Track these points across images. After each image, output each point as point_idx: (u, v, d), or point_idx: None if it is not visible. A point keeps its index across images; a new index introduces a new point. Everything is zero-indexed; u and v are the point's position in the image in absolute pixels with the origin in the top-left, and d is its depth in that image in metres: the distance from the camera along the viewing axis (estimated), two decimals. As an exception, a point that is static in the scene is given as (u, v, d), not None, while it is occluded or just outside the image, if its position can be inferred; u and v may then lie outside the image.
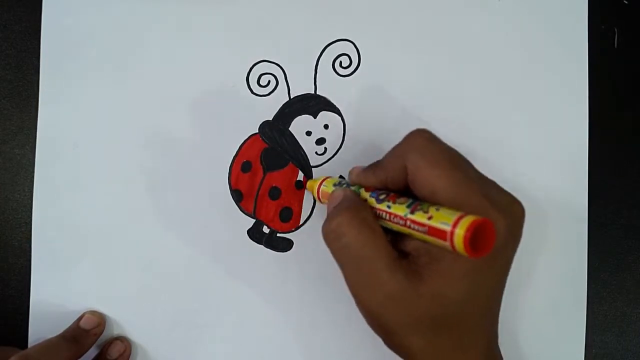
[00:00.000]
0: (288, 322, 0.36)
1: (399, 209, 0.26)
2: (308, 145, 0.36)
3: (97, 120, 0.37)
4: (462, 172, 0.26)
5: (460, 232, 0.22)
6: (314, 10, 0.37)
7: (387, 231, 0.27)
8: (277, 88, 0.37)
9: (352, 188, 0.30)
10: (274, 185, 0.36)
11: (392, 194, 0.28)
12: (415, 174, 0.26)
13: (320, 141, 0.36)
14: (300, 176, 0.36)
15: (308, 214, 0.36)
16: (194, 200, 0.36)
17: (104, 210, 0.37)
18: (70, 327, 0.35)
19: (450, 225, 0.23)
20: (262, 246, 0.36)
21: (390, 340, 0.27)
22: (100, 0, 0.37)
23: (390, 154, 0.29)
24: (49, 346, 0.33)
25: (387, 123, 0.36)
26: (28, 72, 0.38)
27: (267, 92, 0.37)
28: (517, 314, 0.36)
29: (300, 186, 0.36)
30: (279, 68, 0.37)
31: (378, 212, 0.27)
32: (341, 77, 0.36)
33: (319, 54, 0.37)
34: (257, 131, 0.36)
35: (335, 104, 0.36)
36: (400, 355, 0.28)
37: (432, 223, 0.24)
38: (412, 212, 0.25)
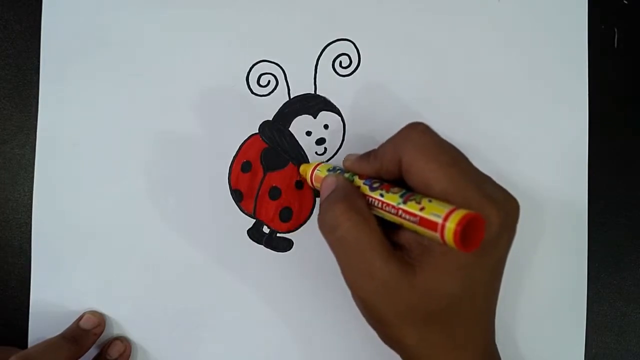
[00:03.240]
0: (288, 322, 0.36)
1: (392, 198, 0.26)
2: (308, 145, 0.36)
3: (97, 120, 0.37)
4: (456, 166, 0.26)
5: (451, 226, 0.22)
6: (314, 10, 0.37)
7: (382, 222, 0.27)
8: (277, 88, 0.37)
9: (346, 175, 0.30)
10: (274, 185, 0.36)
11: (385, 183, 0.28)
12: (410, 166, 0.26)
13: (320, 141, 0.36)
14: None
15: (308, 214, 0.36)
16: (194, 200, 0.36)
17: (104, 210, 0.37)
18: (70, 327, 0.35)
19: (441, 217, 0.23)
20: (262, 246, 0.36)
21: (384, 332, 0.27)
22: (101, 0, 0.37)
23: (385, 145, 0.29)
24: (49, 346, 0.33)
25: (387, 123, 0.36)
26: (28, 72, 0.38)
27: (267, 92, 0.37)
28: (517, 314, 0.36)
29: (300, 186, 0.36)
30: (278, 68, 0.37)
31: (371, 199, 0.27)
32: (341, 77, 0.36)
33: (318, 53, 0.36)
34: (257, 131, 0.36)
35: (335, 104, 0.36)
36: (395, 350, 0.28)
37: (423, 214, 0.24)
38: (404, 202, 0.25)
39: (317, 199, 0.36)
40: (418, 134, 0.27)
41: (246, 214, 0.36)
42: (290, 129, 0.36)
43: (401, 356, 0.28)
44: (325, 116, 0.36)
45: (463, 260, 0.25)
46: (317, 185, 0.33)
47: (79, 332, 0.35)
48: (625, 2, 0.37)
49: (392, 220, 0.26)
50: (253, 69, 0.37)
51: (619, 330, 0.36)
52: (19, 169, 0.38)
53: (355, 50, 0.36)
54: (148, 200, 0.37)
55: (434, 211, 0.23)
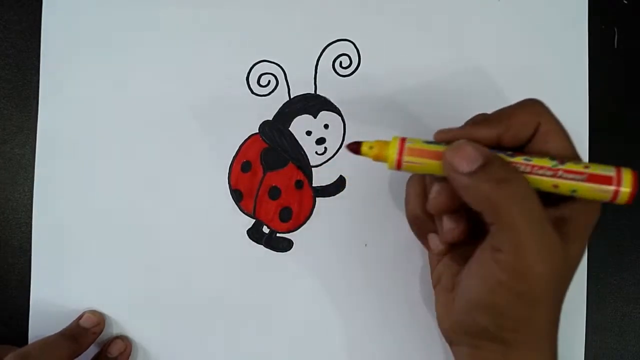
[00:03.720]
0: (287, 322, 0.36)
1: (543, 161, 0.26)
2: (308, 145, 0.36)
3: (97, 120, 0.37)
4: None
5: (627, 179, 0.25)
6: (314, 10, 0.37)
7: None
8: (277, 88, 0.37)
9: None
10: (273, 185, 0.36)
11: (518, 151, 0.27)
12: (548, 132, 0.27)
13: (320, 141, 0.36)
14: (300, 176, 0.36)
15: (308, 213, 0.36)
16: (194, 200, 0.36)
17: (104, 210, 0.37)
18: (69, 326, 0.35)
19: (614, 171, 0.25)
20: (262, 246, 0.36)
21: (509, 319, 0.26)
22: (101, 0, 0.37)
23: (509, 112, 0.28)
24: (48, 344, 0.33)
25: (387, 123, 0.36)
26: (28, 72, 0.38)
27: (267, 92, 0.37)
28: (517, 314, 0.36)
29: (300, 186, 0.36)
30: (279, 68, 0.37)
31: (514, 165, 0.27)
32: (341, 77, 0.36)
33: (319, 54, 0.37)
34: (257, 131, 0.37)
35: (335, 104, 0.36)
36: (494, 345, 0.27)
37: (592, 171, 0.25)
38: (561, 163, 0.26)
39: (317, 199, 0.36)
40: (544, 105, 0.28)
41: (246, 214, 0.36)
42: (290, 128, 0.36)
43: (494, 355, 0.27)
44: (325, 116, 0.36)
45: (589, 229, 0.27)
46: (411, 159, 0.28)
47: (78, 331, 0.35)
48: (625, 2, 0.37)
49: (538, 186, 0.26)
50: (253, 69, 0.37)
51: (619, 330, 0.36)
52: (19, 169, 0.38)
53: (355, 50, 0.36)
54: (148, 200, 0.37)
55: (602, 168, 0.25)
